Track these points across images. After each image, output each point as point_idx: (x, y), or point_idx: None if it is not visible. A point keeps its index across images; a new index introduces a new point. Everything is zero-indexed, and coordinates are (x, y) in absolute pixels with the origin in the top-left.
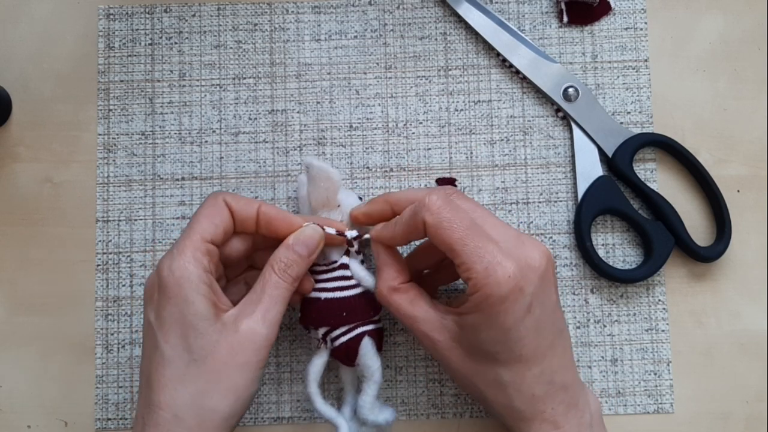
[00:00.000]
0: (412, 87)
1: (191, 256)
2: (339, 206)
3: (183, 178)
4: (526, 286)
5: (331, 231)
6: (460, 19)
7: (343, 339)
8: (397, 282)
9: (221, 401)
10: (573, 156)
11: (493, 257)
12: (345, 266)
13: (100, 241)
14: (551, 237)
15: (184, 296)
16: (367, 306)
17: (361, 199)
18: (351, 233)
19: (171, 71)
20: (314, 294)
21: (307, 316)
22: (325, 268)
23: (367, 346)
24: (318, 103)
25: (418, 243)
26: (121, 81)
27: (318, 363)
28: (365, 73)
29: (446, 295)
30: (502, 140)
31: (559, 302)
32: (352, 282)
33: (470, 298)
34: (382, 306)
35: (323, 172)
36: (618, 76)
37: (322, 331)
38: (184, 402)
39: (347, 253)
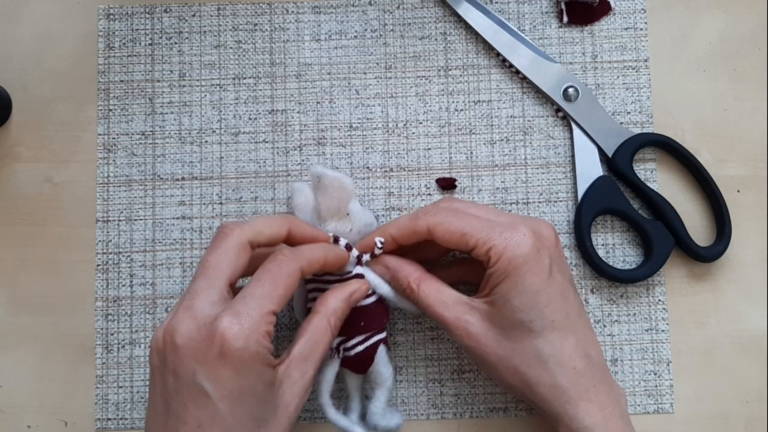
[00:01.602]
0: (412, 87)
1: (265, 331)
2: (348, 215)
3: (183, 178)
4: (542, 249)
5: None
6: (460, 19)
7: (360, 348)
8: (419, 273)
9: None
10: (573, 156)
11: (506, 226)
12: (360, 276)
13: (100, 241)
14: None
15: (257, 372)
16: (381, 314)
17: (362, 205)
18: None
19: (171, 71)
20: None
21: None
22: (338, 278)
23: (382, 354)
24: (318, 103)
25: None
26: (121, 81)
27: (330, 373)
28: (365, 73)
29: None
30: (502, 140)
31: (574, 281)
32: (368, 291)
33: (494, 269)
34: (390, 312)
35: (337, 181)
36: (618, 76)
37: (337, 340)
38: None
39: (359, 263)
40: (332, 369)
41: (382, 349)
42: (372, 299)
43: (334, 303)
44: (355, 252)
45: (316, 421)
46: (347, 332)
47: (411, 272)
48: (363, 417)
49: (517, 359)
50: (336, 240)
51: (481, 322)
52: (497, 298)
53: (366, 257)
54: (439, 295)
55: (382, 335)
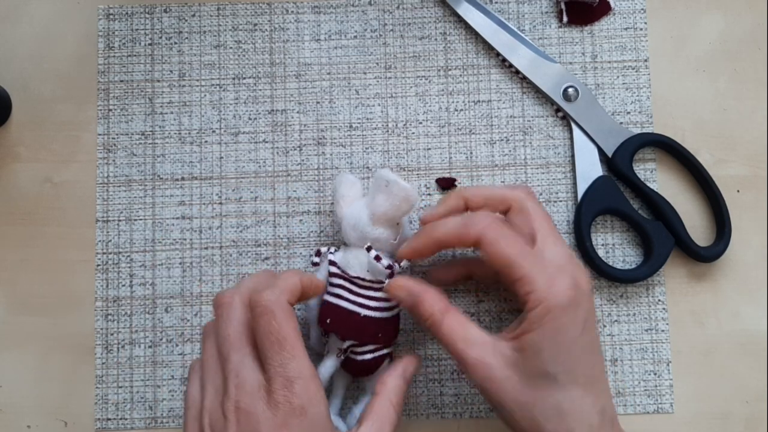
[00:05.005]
0: (412, 87)
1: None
2: (398, 224)
3: (183, 178)
4: (581, 302)
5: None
6: (460, 19)
7: (367, 356)
8: (444, 304)
9: None
10: (573, 156)
11: (552, 271)
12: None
13: (100, 241)
14: None
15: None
16: (396, 330)
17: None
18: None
19: (171, 71)
20: (353, 307)
21: (339, 325)
22: (370, 284)
23: (386, 366)
24: (318, 103)
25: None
26: (121, 81)
27: (327, 368)
28: (365, 73)
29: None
30: (501, 140)
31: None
32: (392, 304)
33: (530, 314)
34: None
35: (404, 192)
36: (618, 76)
37: (348, 343)
38: None
39: (391, 274)
40: (331, 365)
41: (386, 363)
42: (391, 313)
43: (392, 382)
44: (385, 262)
45: None
46: (364, 339)
47: (436, 302)
48: (338, 415)
49: (536, 410)
50: (368, 249)
51: (503, 368)
52: (528, 347)
53: (397, 267)
54: (464, 332)
55: (390, 350)
